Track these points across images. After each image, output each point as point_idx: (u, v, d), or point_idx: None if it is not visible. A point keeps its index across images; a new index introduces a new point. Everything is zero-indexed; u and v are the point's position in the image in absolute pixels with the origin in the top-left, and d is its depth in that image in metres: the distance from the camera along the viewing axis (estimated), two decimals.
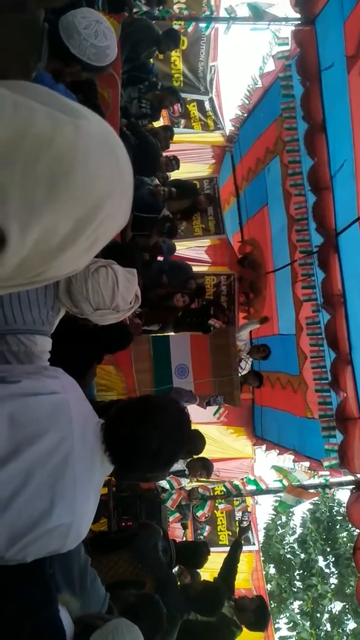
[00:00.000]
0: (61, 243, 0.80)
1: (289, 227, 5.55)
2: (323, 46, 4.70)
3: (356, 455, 4.45)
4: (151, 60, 5.58)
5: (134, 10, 4.87)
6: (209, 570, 4.70)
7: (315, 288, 5.08)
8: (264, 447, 6.81)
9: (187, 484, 5.24)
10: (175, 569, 3.43)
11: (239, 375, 5.68)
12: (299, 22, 4.89)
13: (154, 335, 5.58)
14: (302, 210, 5.19)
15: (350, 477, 4.78)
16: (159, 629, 1.99)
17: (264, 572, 10.27)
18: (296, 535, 13.04)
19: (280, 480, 5.36)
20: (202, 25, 5.44)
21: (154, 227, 5.52)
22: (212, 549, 5.82)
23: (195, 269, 7.62)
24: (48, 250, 0.79)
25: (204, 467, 4.68)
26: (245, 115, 6.78)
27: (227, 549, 4.76)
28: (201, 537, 6.86)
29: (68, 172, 0.76)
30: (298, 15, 4.87)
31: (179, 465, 4.89)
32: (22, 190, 0.73)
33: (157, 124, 6.19)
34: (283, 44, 5.33)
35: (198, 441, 4.04)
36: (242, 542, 4.91)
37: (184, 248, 7.56)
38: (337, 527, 12.60)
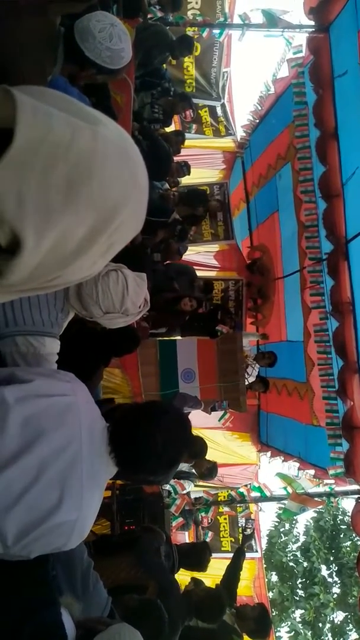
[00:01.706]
0: (77, 248, 0.80)
1: (299, 234, 5.54)
2: (337, 53, 4.70)
3: None
4: (164, 65, 5.60)
5: (149, 15, 4.90)
6: (211, 576, 4.67)
7: (324, 295, 5.06)
8: (269, 453, 6.78)
9: (190, 488, 5.23)
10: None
11: (246, 381, 5.67)
12: (313, 29, 4.90)
13: (160, 339, 5.58)
14: (312, 217, 5.18)
15: (355, 487, 4.75)
16: (160, 634, 1.98)
17: (266, 580, 10.21)
18: (299, 544, 12.95)
19: (285, 488, 5.33)
20: (216, 31, 5.46)
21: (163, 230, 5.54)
22: (214, 555, 5.82)
23: (203, 274, 7.64)
24: (63, 255, 0.80)
25: (209, 465, 4.67)
26: (257, 121, 6.79)
27: (229, 555, 4.75)
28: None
29: (85, 179, 0.76)
30: (312, 23, 4.88)
31: (185, 467, 4.89)
32: (39, 196, 0.73)
33: (168, 129, 6.21)
34: (297, 51, 5.34)
35: (199, 444, 4.02)
36: (245, 549, 4.88)
37: (193, 253, 7.57)
38: (341, 536, 12.50)
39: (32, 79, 1.75)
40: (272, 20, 4.96)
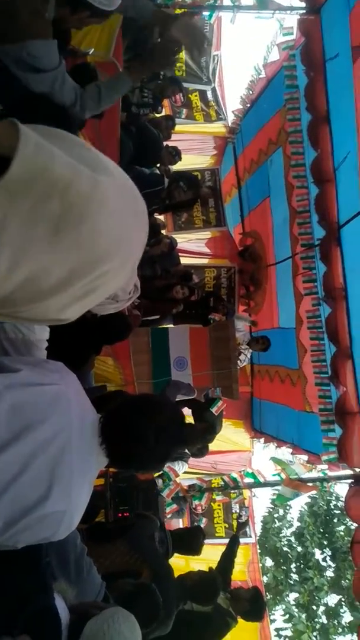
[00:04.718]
0: (52, 287, 0.82)
1: (290, 220, 5.51)
2: (328, 36, 4.64)
3: (355, 450, 4.45)
4: None
5: None
6: (206, 561, 4.71)
7: (317, 282, 5.06)
8: (262, 440, 6.82)
9: (184, 469, 5.25)
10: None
11: (238, 367, 5.68)
12: (305, 11, 4.83)
13: (153, 327, 5.57)
14: (304, 202, 5.16)
15: (348, 471, 4.79)
16: (154, 617, 2.00)
17: (261, 565, 10.34)
18: (293, 529, 13.12)
19: (279, 474, 5.37)
20: (206, 13, 5.38)
21: (160, 200, 5.48)
22: (208, 541, 5.86)
23: (195, 261, 7.62)
24: (37, 290, 0.81)
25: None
26: (248, 105, 6.72)
27: (224, 540, 4.79)
28: None
29: (76, 222, 0.78)
30: (303, 4, 4.81)
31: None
32: (24, 226, 0.75)
33: (159, 115, 6.13)
34: (288, 33, 5.28)
35: (190, 432, 4.00)
36: (240, 536, 4.93)
37: (184, 240, 7.54)
38: (335, 520, 12.67)
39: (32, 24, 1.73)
40: (262, 2, 4.88)
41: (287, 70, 5.23)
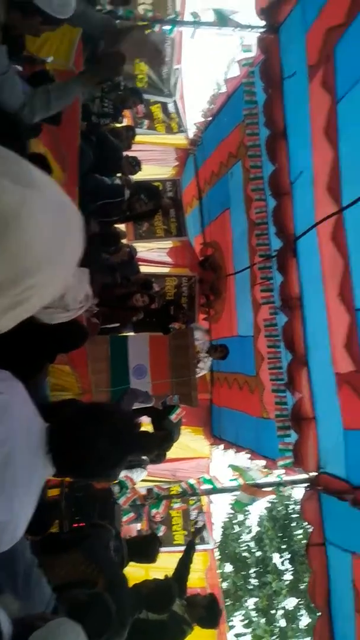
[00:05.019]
0: None
1: (249, 231, 5.64)
2: (286, 54, 4.80)
3: (310, 454, 4.56)
4: None
5: (98, 7, 4.84)
6: (165, 569, 4.71)
7: (274, 291, 5.18)
8: (221, 446, 6.89)
9: (142, 477, 5.24)
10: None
11: (197, 375, 5.74)
12: (264, 29, 4.98)
13: (112, 335, 5.56)
14: (262, 214, 5.29)
15: (304, 475, 4.90)
16: (107, 627, 1.99)
17: (220, 571, 10.38)
18: (253, 534, 13.24)
19: (236, 479, 5.43)
20: (167, 27, 5.46)
21: (120, 211, 5.50)
22: (167, 549, 5.84)
23: (157, 270, 7.67)
24: None
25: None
26: (210, 119, 6.85)
27: (183, 548, 4.79)
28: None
29: (1, 234, 0.78)
30: (263, 23, 4.95)
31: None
32: None
33: (120, 125, 6.17)
34: (247, 50, 5.42)
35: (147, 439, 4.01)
36: (197, 542, 4.95)
37: (145, 250, 7.58)
38: (293, 524, 12.88)
39: None
40: (222, 19, 5.01)
41: (246, 86, 5.37)
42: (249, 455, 5.91)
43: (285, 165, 4.78)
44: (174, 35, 6.02)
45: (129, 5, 5.25)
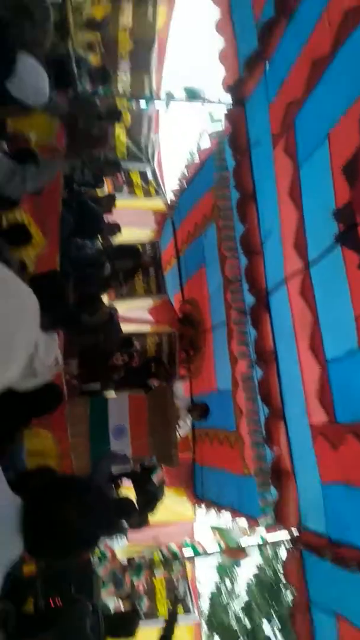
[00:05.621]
0: None
1: (224, 287, 5.82)
2: (252, 125, 5.18)
3: (290, 511, 4.47)
4: None
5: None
6: None
7: (249, 345, 5.27)
8: (203, 506, 6.69)
9: (122, 544, 5.03)
10: None
11: (178, 434, 5.67)
12: (231, 104, 5.40)
13: (92, 398, 5.51)
14: (235, 271, 5.48)
15: (286, 534, 4.77)
16: None
17: None
18: (242, 604, 12.55)
19: (218, 543, 5.26)
20: (143, 103, 5.90)
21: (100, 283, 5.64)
22: (151, 622, 5.51)
23: (138, 328, 7.75)
24: None
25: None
26: (185, 185, 7.23)
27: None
28: (140, 609, 6.47)
29: None
30: (230, 98, 5.37)
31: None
32: None
33: (101, 192, 6.48)
34: (217, 121, 5.85)
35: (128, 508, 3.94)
36: (179, 612, 4.71)
37: (126, 309, 7.70)
38: (282, 586, 12.29)
39: None
40: (192, 95, 5.42)
41: (217, 155, 5.73)
42: (230, 514, 5.75)
43: (255, 225, 5.02)
44: (150, 111, 6.47)
45: (108, 84, 5.68)
